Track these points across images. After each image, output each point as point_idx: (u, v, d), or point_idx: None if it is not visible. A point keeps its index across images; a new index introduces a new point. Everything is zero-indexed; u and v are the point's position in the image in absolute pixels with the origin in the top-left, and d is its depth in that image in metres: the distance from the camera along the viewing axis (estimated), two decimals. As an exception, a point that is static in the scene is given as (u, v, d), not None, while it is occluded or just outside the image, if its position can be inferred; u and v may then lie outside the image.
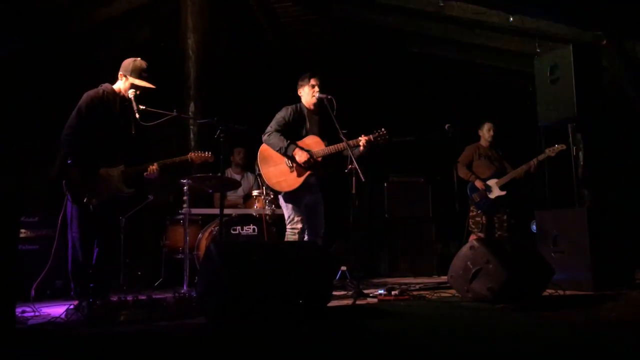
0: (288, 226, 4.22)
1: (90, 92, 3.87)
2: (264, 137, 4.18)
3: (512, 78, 7.83)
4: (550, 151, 5.46)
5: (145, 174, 3.99)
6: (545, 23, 6.46)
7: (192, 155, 4.22)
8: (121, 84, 3.96)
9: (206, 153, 4.26)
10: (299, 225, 4.17)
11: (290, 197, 4.19)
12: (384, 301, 3.80)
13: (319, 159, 4.15)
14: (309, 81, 4.29)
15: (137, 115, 3.91)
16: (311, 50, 7.78)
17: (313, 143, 4.22)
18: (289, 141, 4.11)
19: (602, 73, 5.26)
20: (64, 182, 3.79)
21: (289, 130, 4.19)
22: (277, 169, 4.17)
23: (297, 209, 4.18)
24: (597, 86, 4.72)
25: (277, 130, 4.15)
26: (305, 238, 4.22)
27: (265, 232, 5.16)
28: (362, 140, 4.10)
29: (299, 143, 4.18)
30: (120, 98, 3.96)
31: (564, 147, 5.36)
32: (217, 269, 2.87)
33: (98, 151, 3.83)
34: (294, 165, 4.14)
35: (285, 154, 4.12)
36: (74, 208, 3.79)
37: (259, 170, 4.19)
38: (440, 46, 7.75)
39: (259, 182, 4.25)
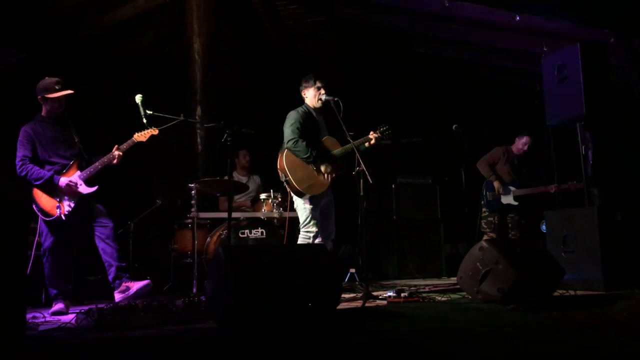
0: (302, 229, 4.20)
1: (24, 126, 4.06)
2: (289, 145, 4.15)
3: (519, 78, 7.78)
4: (570, 186, 5.57)
5: (105, 162, 4.05)
6: (552, 22, 6.42)
7: (136, 135, 4.13)
8: (45, 107, 4.10)
9: (149, 129, 4.14)
10: (314, 229, 4.16)
11: (314, 199, 4.20)
12: (393, 303, 3.78)
13: (338, 161, 4.29)
14: (314, 83, 4.31)
15: (144, 120, 3.98)
16: (316, 52, 7.79)
17: (331, 144, 4.35)
18: (315, 152, 4.15)
19: (610, 71, 5.22)
20: (33, 204, 3.94)
21: (303, 133, 4.21)
22: (306, 174, 4.16)
23: (316, 212, 4.19)
24: (606, 84, 4.69)
25: (300, 137, 4.16)
26: (317, 242, 4.21)
27: (287, 235, 5.17)
28: (374, 135, 4.33)
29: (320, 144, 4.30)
30: (52, 119, 4.10)
31: (581, 184, 5.30)
32: (226, 272, 2.87)
33: (52, 167, 4.01)
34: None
35: (312, 163, 4.16)
36: (46, 223, 3.94)
37: (286, 177, 4.14)
38: (446, 46, 7.72)
39: (286, 187, 4.23)
